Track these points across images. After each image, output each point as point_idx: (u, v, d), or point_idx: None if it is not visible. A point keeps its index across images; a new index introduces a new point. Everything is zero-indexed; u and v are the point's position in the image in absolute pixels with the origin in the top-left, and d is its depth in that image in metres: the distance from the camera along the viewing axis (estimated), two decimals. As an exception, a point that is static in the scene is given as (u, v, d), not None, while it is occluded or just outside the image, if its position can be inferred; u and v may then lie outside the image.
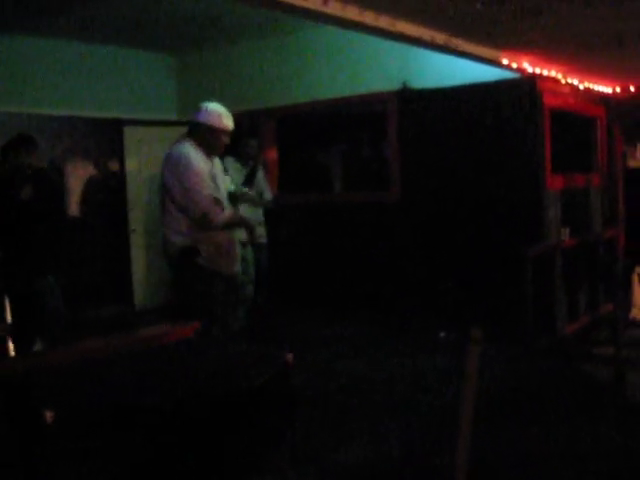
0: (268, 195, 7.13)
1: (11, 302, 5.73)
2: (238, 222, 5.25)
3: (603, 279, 7.13)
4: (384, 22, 4.42)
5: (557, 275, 6.37)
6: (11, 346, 6.41)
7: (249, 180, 6.75)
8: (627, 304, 6.76)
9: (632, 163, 8.26)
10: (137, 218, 8.38)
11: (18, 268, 5.62)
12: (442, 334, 6.35)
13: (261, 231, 7.17)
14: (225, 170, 6.57)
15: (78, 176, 8.50)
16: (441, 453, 3.61)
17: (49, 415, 2.02)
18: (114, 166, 8.70)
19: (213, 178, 4.91)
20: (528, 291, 5.84)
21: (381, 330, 6.67)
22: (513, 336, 5.72)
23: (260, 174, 7.01)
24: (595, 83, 7.11)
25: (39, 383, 2.41)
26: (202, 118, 5.06)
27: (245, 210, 6.83)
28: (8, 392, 2.39)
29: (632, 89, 7.29)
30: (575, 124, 7.33)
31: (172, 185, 4.77)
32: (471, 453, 2.83)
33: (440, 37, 4.95)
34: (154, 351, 2.78)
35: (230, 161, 6.79)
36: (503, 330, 5.55)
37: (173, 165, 4.81)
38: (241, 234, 6.76)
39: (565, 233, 6.57)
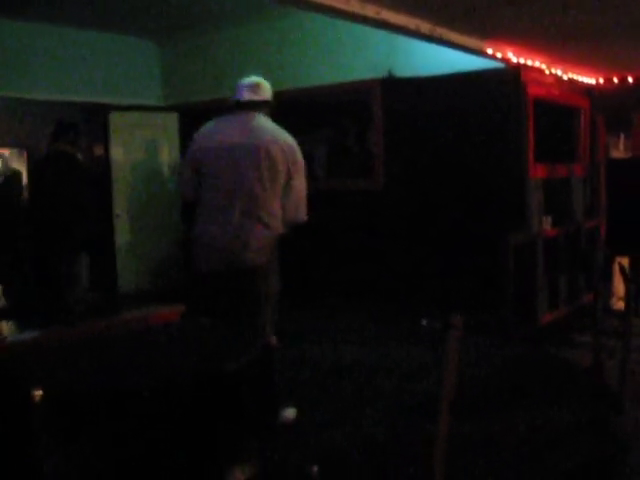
0: None
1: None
2: None
3: (584, 268, 7.20)
4: (369, 10, 4.43)
5: (538, 264, 6.42)
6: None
7: None
8: (607, 293, 6.84)
9: (615, 154, 8.32)
10: (121, 203, 8.36)
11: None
12: (424, 321, 6.39)
13: None
14: None
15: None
16: (422, 438, 3.65)
17: (36, 396, 2.04)
18: (99, 151, 8.68)
19: None
20: (509, 279, 5.89)
21: (364, 317, 6.70)
22: (494, 324, 5.77)
23: None
24: (579, 74, 7.15)
25: (25, 365, 2.43)
26: (269, 94, 4.57)
27: None
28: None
29: (615, 80, 7.34)
30: (559, 114, 7.37)
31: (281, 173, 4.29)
32: (451, 437, 2.87)
33: (425, 26, 4.97)
34: (136, 334, 2.80)
35: None
36: (484, 318, 5.60)
37: (291, 153, 4.35)
38: None
39: (547, 222, 6.62)
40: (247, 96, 4.43)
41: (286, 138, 4.40)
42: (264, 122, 4.39)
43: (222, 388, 2.25)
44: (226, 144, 4.24)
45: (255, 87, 4.49)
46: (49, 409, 2.14)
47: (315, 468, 2.39)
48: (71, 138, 6.06)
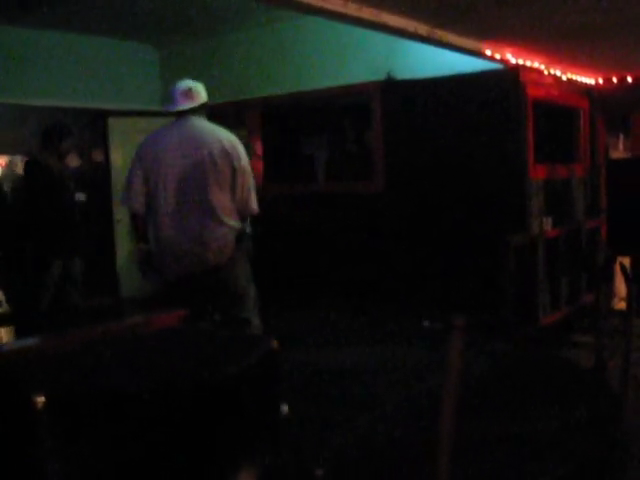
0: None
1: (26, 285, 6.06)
2: None
3: (585, 269, 7.20)
4: (367, 13, 4.44)
5: (539, 264, 6.42)
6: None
7: None
8: (609, 294, 6.84)
9: (614, 154, 8.32)
10: (122, 209, 8.36)
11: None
12: (426, 323, 6.39)
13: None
14: None
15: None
16: (425, 439, 3.64)
17: (38, 402, 2.04)
18: (98, 157, 8.69)
19: None
20: (510, 280, 5.89)
21: (364, 319, 6.70)
22: (495, 324, 5.77)
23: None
24: (578, 74, 7.16)
25: (26, 371, 2.42)
26: (204, 96, 4.77)
27: None
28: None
29: (615, 80, 7.35)
30: (558, 115, 7.38)
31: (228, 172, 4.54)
32: (454, 441, 2.87)
33: (423, 28, 4.99)
34: (138, 338, 2.80)
35: None
36: (485, 318, 5.60)
37: (234, 150, 4.58)
38: None
39: (547, 223, 6.62)
40: (186, 104, 4.62)
41: (228, 137, 4.62)
42: (205, 125, 4.61)
43: (224, 391, 2.25)
44: (173, 152, 4.42)
45: (189, 92, 4.65)
46: (52, 415, 2.13)
47: (320, 471, 2.39)
48: (54, 144, 6.13)
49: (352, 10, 4.32)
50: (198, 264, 4.44)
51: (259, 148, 8.19)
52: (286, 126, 8.38)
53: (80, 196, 6.19)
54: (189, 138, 4.52)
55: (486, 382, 4.81)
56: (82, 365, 2.48)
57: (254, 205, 4.68)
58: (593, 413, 4.30)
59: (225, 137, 4.59)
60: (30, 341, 2.93)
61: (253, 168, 7.66)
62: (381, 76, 7.04)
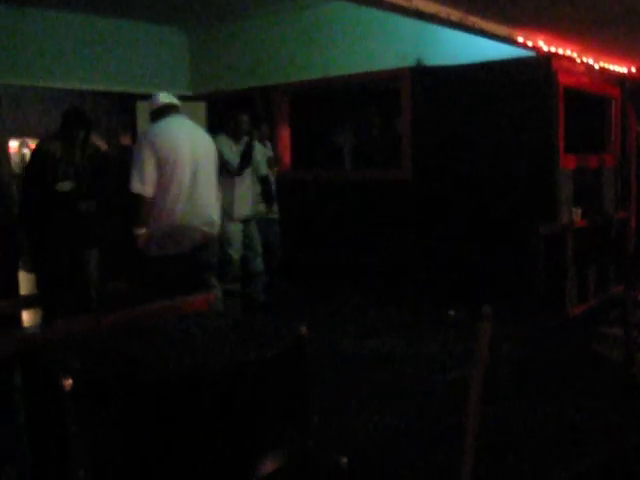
0: (262, 169, 7.04)
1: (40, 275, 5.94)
2: None
3: (614, 260, 7.12)
4: (400, -2, 4.40)
5: (568, 255, 6.36)
6: (26, 319, 6.52)
7: (245, 158, 6.64)
8: (638, 285, 6.75)
9: (646, 144, 8.21)
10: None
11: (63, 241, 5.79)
12: (451, 312, 6.37)
13: (257, 207, 7.16)
14: (220, 151, 6.64)
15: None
16: (449, 428, 3.63)
17: (67, 384, 2.04)
18: (126, 141, 8.70)
19: None
20: (539, 270, 5.84)
21: (393, 307, 6.68)
22: (523, 315, 5.73)
23: (256, 149, 6.89)
24: (610, 63, 7.06)
25: (55, 355, 2.44)
26: None
27: (241, 188, 6.81)
28: (25, 363, 2.43)
29: (648, 69, 7.24)
30: (589, 103, 7.29)
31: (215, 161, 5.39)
32: (480, 430, 2.85)
33: (456, 14, 4.93)
34: (168, 322, 2.80)
35: (223, 140, 6.65)
36: (513, 308, 5.56)
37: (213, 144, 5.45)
38: (244, 210, 6.83)
39: (577, 213, 6.55)
40: (173, 99, 5.31)
41: (206, 133, 5.52)
42: (192, 122, 5.38)
43: (254, 377, 2.25)
44: (186, 142, 5.07)
45: (169, 95, 5.35)
46: (80, 399, 2.14)
47: (344, 459, 2.39)
48: (64, 131, 5.97)
49: (385, -5, 4.29)
50: (204, 237, 5.21)
51: (287, 133, 8.18)
52: (314, 112, 8.36)
53: (64, 186, 5.71)
54: (191, 130, 5.24)
55: (511, 370, 4.79)
56: (110, 349, 2.49)
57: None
58: (621, 406, 4.26)
59: (206, 133, 5.50)
60: (60, 324, 2.95)
61: (281, 154, 7.69)
62: (410, 63, 6.99)
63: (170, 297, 2.99)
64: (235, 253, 6.74)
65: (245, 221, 6.83)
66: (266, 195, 7.10)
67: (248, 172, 6.80)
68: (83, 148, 5.88)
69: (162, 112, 5.18)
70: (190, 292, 4.90)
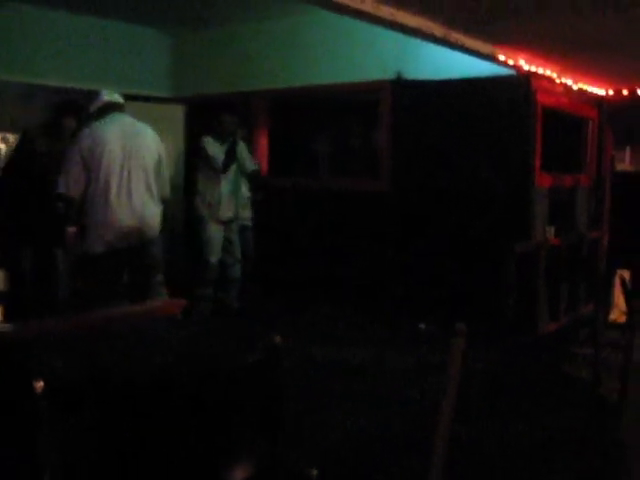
0: (250, 165, 7.12)
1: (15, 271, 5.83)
2: None
3: (585, 279, 7.19)
4: (384, 11, 4.41)
5: (540, 273, 6.41)
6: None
7: (230, 156, 6.74)
8: (607, 305, 6.83)
9: (620, 166, 8.30)
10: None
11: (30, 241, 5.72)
12: (422, 326, 6.38)
13: (245, 213, 7.20)
14: (204, 149, 6.70)
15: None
16: (419, 441, 3.63)
17: (39, 386, 2.02)
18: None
19: None
20: (511, 287, 5.88)
21: (366, 319, 6.68)
22: (494, 332, 5.76)
23: (241, 147, 6.98)
24: (589, 84, 7.14)
25: (26, 356, 2.41)
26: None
27: (227, 188, 6.86)
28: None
29: (625, 92, 7.32)
30: (567, 124, 7.36)
31: (157, 160, 5.35)
32: (449, 447, 2.86)
33: (439, 30, 4.96)
34: (140, 327, 2.78)
35: (210, 141, 6.78)
36: (486, 326, 5.59)
37: (159, 143, 5.42)
38: (228, 210, 6.85)
39: (550, 231, 6.61)
40: (118, 98, 5.37)
41: (152, 131, 5.38)
42: (134, 121, 5.33)
43: (226, 384, 2.23)
44: (116, 144, 5.08)
45: (113, 93, 5.40)
46: (51, 401, 2.11)
47: (314, 471, 2.38)
48: (55, 124, 5.91)
49: (369, 8, 4.29)
50: (138, 237, 5.17)
51: (265, 139, 8.17)
52: (293, 119, 8.36)
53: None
54: (128, 132, 5.20)
55: (483, 388, 4.80)
56: (82, 351, 2.46)
57: (168, 189, 5.48)
58: (588, 426, 4.30)
59: (151, 132, 5.36)
60: (30, 325, 2.91)
61: (259, 160, 7.71)
62: (390, 75, 7.01)
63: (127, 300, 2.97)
64: (214, 257, 6.75)
65: (227, 223, 6.85)
66: (259, 186, 7.28)
67: (234, 172, 6.86)
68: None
69: (103, 111, 5.27)
70: (128, 290, 5.30)
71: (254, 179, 7.31)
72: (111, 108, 5.27)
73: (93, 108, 5.34)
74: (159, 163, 5.33)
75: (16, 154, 5.91)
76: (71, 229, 5.42)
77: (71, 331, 2.74)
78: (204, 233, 6.82)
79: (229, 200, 6.88)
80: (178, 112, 8.51)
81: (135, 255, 5.21)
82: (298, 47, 7.74)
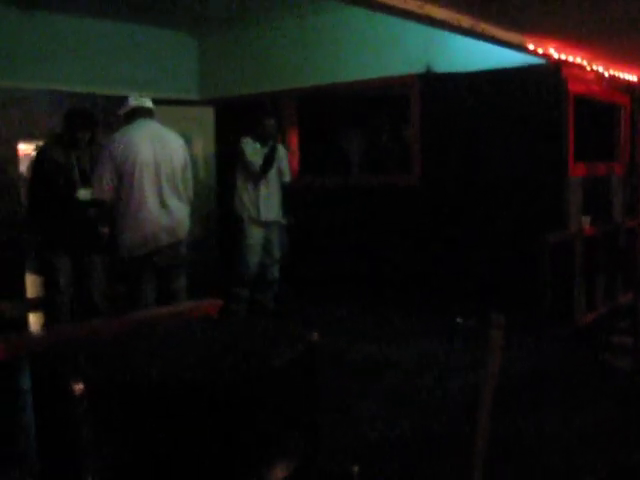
0: (287, 177, 7.12)
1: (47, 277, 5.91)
2: None
3: (622, 268, 7.09)
4: (412, 4, 4.38)
5: (576, 263, 6.33)
6: (31, 322, 6.50)
7: (268, 160, 6.74)
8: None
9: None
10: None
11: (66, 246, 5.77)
12: (459, 320, 6.34)
13: (281, 213, 7.20)
14: (243, 150, 6.72)
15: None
16: (458, 437, 3.61)
17: (78, 389, 2.03)
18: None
19: None
20: (547, 278, 5.82)
21: (401, 314, 6.66)
22: (531, 324, 5.70)
23: (281, 153, 6.98)
24: (620, 71, 7.04)
25: (65, 358, 2.43)
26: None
27: (266, 191, 6.88)
28: (35, 366, 2.41)
29: (657, 78, 7.22)
30: (599, 112, 7.27)
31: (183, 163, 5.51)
32: (489, 438, 2.83)
33: (467, 21, 4.91)
34: (177, 328, 2.79)
35: (249, 142, 6.80)
36: (522, 317, 5.53)
37: (185, 149, 5.60)
38: (269, 213, 6.88)
39: (586, 221, 6.53)
40: (148, 103, 5.49)
41: (178, 137, 5.58)
42: (162, 127, 5.51)
43: (266, 384, 2.23)
44: (147, 148, 5.24)
45: (142, 98, 5.52)
46: (90, 403, 2.13)
47: (356, 468, 2.37)
48: (68, 134, 5.90)
49: (396, 2, 4.27)
50: (170, 237, 5.35)
51: (294, 139, 8.17)
52: (322, 118, 8.35)
53: (84, 194, 5.70)
54: (157, 136, 5.36)
55: (522, 381, 4.76)
56: (120, 354, 2.47)
57: (192, 192, 5.66)
58: (628, 416, 4.24)
59: (177, 137, 5.55)
60: (69, 328, 2.94)
61: (289, 160, 7.72)
62: (418, 69, 6.98)
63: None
64: (254, 258, 6.77)
65: (268, 225, 6.87)
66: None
67: (274, 175, 6.88)
68: (90, 150, 5.85)
69: (131, 115, 5.41)
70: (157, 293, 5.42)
71: (285, 190, 7.29)
72: (139, 113, 5.40)
73: (122, 112, 5.46)
74: (185, 167, 5.51)
75: (37, 164, 5.95)
76: (105, 230, 5.69)
77: (109, 333, 2.76)
78: (244, 234, 6.84)
79: (268, 202, 6.90)
80: (208, 114, 8.55)
81: (167, 255, 5.39)
82: (324, 44, 7.73)
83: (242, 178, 6.89)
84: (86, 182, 5.70)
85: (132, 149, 5.20)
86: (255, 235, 6.81)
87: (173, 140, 5.48)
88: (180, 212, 5.42)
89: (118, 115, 5.51)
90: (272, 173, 6.86)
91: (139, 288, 5.37)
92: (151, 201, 5.25)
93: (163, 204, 5.30)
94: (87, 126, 5.86)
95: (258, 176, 6.76)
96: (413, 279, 6.97)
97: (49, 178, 5.76)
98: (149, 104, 5.48)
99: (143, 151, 5.22)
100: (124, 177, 5.20)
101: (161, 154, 5.30)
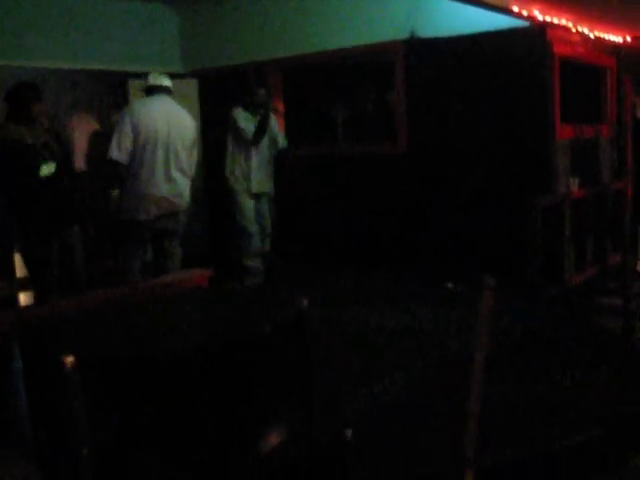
0: (283, 141, 7.12)
1: (29, 258, 5.85)
2: None
3: (611, 230, 7.11)
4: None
5: (565, 225, 6.34)
6: (22, 300, 6.47)
7: (261, 128, 6.74)
8: (634, 256, 6.76)
9: (641, 114, 8.16)
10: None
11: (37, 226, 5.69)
12: (449, 285, 6.36)
13: (270, 185, 7.18)
14: (234, 119, 6.71)
15: (83, 130, 8.43)
16: (453, 399, 3.62)
17: (69, 362, 2.02)
18: (118, 119, 8.61)
19: None
20: (536, 241, 5.82)
21: (388, 281, 6.66)
22: (521, 285, 5.72)
23: (272, 121, 6.97)
24: (606, 32, 7.01)
25: (55, 332, 2.42)
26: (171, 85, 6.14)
27: (258, 162, 6.86)
28: (25, 342, 2.40)
29: (643, 38, 7.19)
30: (585, 74, 7.25)
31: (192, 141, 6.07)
32: (481, 400, 2.84)
33: (450, -17, 4.87)
34: (167, 299, 2.78)
35: (239, 111, 6.78)
36: (511, 280, 5.55)
37: (194, 127, 6.13)
38: (260, 184, 6.89)
39: (574, 183, 6.54)
40: (166, 82, 6.01)
41: (187, 114, 6.10)
42: (175, 104, 6.02)
43: (256, 351, 2.23)
44: (161, 120, 5.76)
45: (160, 76, 6.06)
46: (81, 376, 2.12)
47: (349, 431, 2.38)
48: (21, 110, 5.72)
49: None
50: (170, 205, 5.87)
51: (280, 108, 8.13)
52: (307, 86, 8.30)
53: (46, 169, 5.52)
54: (171, 111, 5.90)
55: (511, 342, 4.78)
56: (111, 326, 2.47)
57: (194, 170, 6.18)
58: (620, 376, 4.26)
59: (188, 115, 6.08)
60: (58, 303, 2.92)
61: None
62: (403, 35, 6.92)
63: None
64: (253, 227, 6.80)
65: (258, 196, 6.88)
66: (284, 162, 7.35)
67: (265, 146, 6.86)
68: (42, 122, 5.70)
69: (150, 91, 5.97)
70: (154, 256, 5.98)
71: (280, 153, 7.27)
72: (156, 90, 5.93)
73: (142, 88, 6.12)
74: (193, 146, 6.04)
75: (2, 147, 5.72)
76: (114, 192, 5.93)
77: (98, 306, 2.75)
78: (238, 206, 6.84)
79: (260, 173, 6.90)
80: (192, 87, 8.47)
81: (168, 221, 5.91)
82: (308, 12, 7.65)
83: (233, 149, 6.88)
84: (48, 158, 5.58)
85: (150, 121, 5.71)
86: (246, 206, 6.82)
87: (186, 119, 6.00)
88: (183, 184, 5.92)
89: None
90: (264, 144, 6.85)
91: (131, 254, 5.88)
92: (159, 171, 5.74)
93: (168, 176, 5.79)
94: (39, 99, 5.75)
95: (250, 145, 6.74)
96: (401, 246, 6.98)
97: (15, 160, 5.52)
98: (167, 82, 5.99)
99: (159, 125, 5.72)
100: (139, 145, 5.69)
101: (174, 130, 5.79)
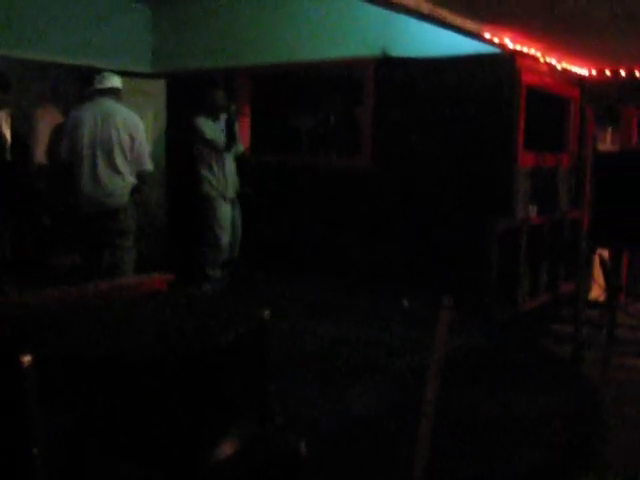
0: (240, 146, 7.12)
1: None
2: None
3: (565, 258, 7.24)
4: (371, -14, 4.38)
5: (522, 251, 6.44)
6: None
7: (231, 135, 6.75)
8: (588, 284, 6.89)
9: (601, 146, 8.33)
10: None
11: None
12: (405, 302, 6.40)
13: (238, 188, 7.17)
14: (200, 130, 6.67)
15: (47, 123, 8.33)
16: (407, 414, 3.66)
17: (26, 361, 2.00)
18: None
19: None
20: (493, 264, 5.91)
21: (346, 295, 6.69)
22: (476, 309, 5.79)
23: (235, 125, 6.96)
24: (572, 64, 7.14)
25: (12, 330, 2.38)
26: (117, 82, 6.32)
27: (229, 167, 6.86)
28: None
29: (608, 73, 7.33)
30: (550, 103, 7.37)
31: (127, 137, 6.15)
32: (434, 417, 2.88)
33: (425, 6, 4.93)
34: (126, 302, 2.76)
35: (202, 121, 6.74)
36: (466, 302, 5.61)
37: (132, 122, 6.20)
38: (233, 189, 6.88)
39: (532, 210, 6.64)
40: (113, 83, 6.24)
41: (129, 113, 6.26)
42: (113, 105, 6.20)
43: (214, 360, 2.23)
44: (89, 125, 6.05)
45: (103, 78, 6.24)
46: (39, 375, 2.10)
47: (303, 444, 2.39)
48: None
49: (357, -18, 4.26)
50: (102, 205, 6.08)
51: (247, 116, 8.12)
52: (275, 96, 8.31)
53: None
54: (102, 114, 6.08)
55: (463, 361, 4.84)
56: (70, 325, 2.44)
57: (147, 164, 6.28)
58: (568, 402, 4.34)
59: (127, 114, 6.22)
60: (15, 298, 2.88)
61: (241, 135, 7.64)
62: (374, 52, 6.97)
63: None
64: (226, 237, 6.78)
65: (232, 201, 6.89)
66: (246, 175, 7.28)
67: (232, 150, 6.87)
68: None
69: (91, 95, 6.25)
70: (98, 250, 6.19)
71: (240, 160, 7.25)
72: (99, 93, 6.17)
73: (87, 92, 6.31)
74: (130, 141, 6.14)
75: None
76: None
77: (55, 305, 2.72)
78: (214, 214, 6.79)
79: (232, 177, 6.93)
80: (159, 87, 8.43)
81: (106, 220, 6.11)
82: (281, 22, 7.67)
83: (204, 155, 6.83)
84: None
85: (78, 125, 6.08)
86: (225, 214, 6.80)
87: (127, 119, 6.17)
88: (112, 185, 6.09)
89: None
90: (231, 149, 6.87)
91: (89, 254, 6.22)
92: (86, 174, 6.05)
93: (96, 177, 6.05)
94: (7, 87, 5.92)
95: (221, 153, 6.74)
96: (362, 259, 7.00)
97: None
98: (114, 83, 6.23)
99: (85, 129, 6.04)
100: (73, 148, 6.11)
101: (106, 133, 6.03)
